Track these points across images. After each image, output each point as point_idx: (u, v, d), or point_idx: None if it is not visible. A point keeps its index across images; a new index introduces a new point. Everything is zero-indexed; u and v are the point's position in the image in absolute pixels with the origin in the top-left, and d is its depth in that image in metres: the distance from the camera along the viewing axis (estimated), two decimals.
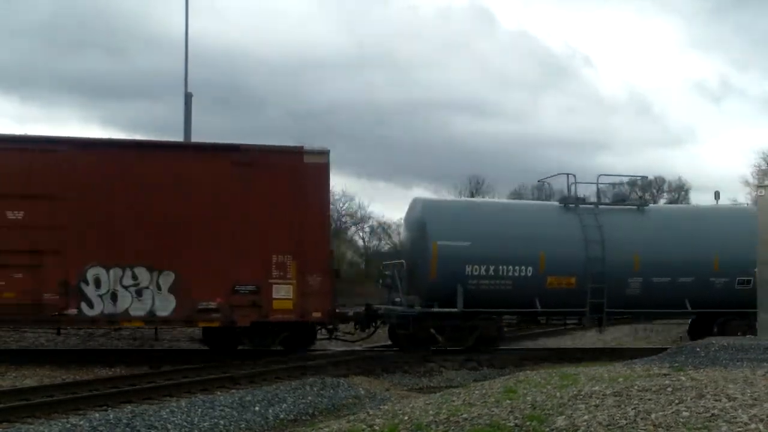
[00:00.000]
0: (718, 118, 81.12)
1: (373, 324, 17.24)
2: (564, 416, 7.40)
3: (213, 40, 65.23)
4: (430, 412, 8.29)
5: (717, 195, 20.47)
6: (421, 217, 17.15)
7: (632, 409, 7.38)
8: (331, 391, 13.02)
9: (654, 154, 74.64)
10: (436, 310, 16.67)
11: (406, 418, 8.19)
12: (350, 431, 8.09)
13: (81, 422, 9.72)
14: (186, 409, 10.79)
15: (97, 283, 14.73)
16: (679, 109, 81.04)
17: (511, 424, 7.37)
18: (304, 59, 71.48)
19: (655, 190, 59.83)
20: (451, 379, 15.20)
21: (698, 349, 12.62)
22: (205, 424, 10.29)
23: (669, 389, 8.26)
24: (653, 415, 7.06)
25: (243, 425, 10.54)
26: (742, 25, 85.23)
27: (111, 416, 10.13)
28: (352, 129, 65.66)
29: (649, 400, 7.77)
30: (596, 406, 7.70)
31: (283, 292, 15.33)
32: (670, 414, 7.08)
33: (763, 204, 14.74)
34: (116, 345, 17.59)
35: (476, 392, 9.37)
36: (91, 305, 14.71)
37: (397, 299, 17.53)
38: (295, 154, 15.69)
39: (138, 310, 14.86)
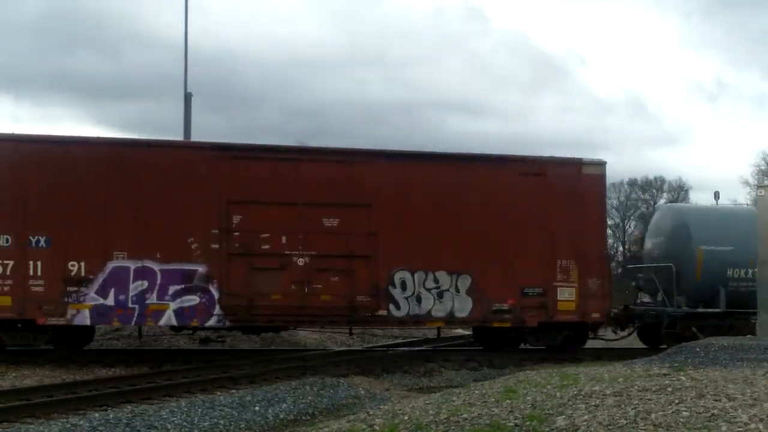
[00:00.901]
0: (714, 117, 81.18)
1: (631, 324, 18.19)
2: (564, 416, 7.41)
3: (206, 39, 65.28)
4: (430, 412, 8.29)
5: (717, 195, 20.52)
6: (685, 224, 18.27)
7: (632, 409, 7.38)
8: (331, 391, 13.02)
9: (651, 154, 74.64)
10: (701, 310, 17.75)
11: (406, 417, 8.19)
12: (350, 431, 8.09)
13: (81, 422, 9.72)
14: (186, 409, 10.79)
15: (404, 286, 15.75)
16: (675, 109, 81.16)
17: (511, 424, 7.37)
18: (296, 58, 71.48)
19: (655, 190, 59.92)
20: (451, 379, 15.20)
21: (698, 349, 12.62)
22: (205, 424, 10.29)
23: (669, 389, 8.26)
24: (653, 415, 7.06)
25: (243, 425, 10.54)
26: (737, 24, 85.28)
27: (111, 416, 10.13)
28: (346, 128, 65.66)
29: (649, 400, 7.77)
30: (596, 406, 7.70)
31: (566, 295, 16.39)
32: (670, 414, 7.08)
33: (763, 204, 14.74)
34: (116, 345, 17.58)
35: (476, 392, 9.37)
36: (398, 307, 15.74)
37: (647, 299, 19.07)
38: (574, 165, 16.74)
39: (439, 311, 15.88)
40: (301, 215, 15.25)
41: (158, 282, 14.73)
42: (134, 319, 14.85)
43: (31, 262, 14.38)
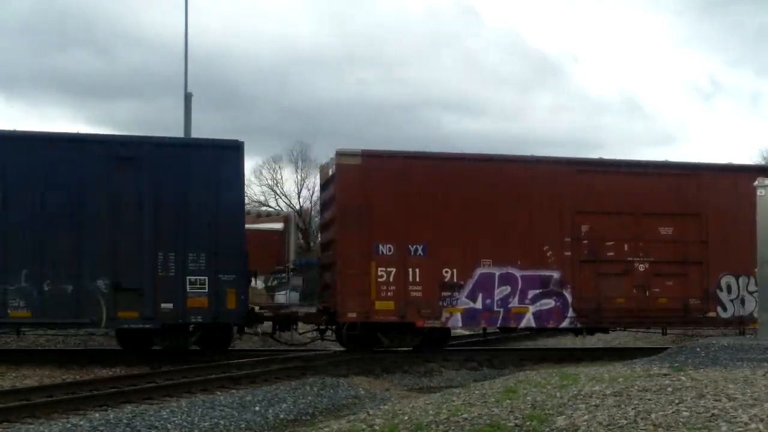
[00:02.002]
0: (710, 116, 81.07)
1: None
2: (564, 416, 7.41)
3: (200, 38, 65.08)
4: (430, 412, 8.30)
5: None
6: None
7: (632, 409, 7.38)
8: (331, 391, 13.02)
9: (646, 153, 74.54)
10: None
11: (406, 418, 8.19)
12: (350, 431, 8.09)
13: (81, 422, 9.72)
14: (186, 409, 10.79)
15: (729, 289, 16.94)
16: (671, 108, 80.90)
17: (511, 424, 7.38)
18: (291, 57, 71.31)
19: None
20: (451, 379, 15.20)
21: (698, 349, 12.63)
22: (205, 424, 10.29)
23: (669, 389, 8.26)
24: (653, 415, 7.06)
25: (243, 425, 10.54)
26: (732, 22, 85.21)
27: (111, 416, 10.13)
28: (342, 127, 65.43)
29: (649, 400, 7.77)
30: (596, 406, 7.70)
31: None
32: (670, 414, 7.08)
33: (763, 204, 14.72)
34: (116, 345, 17.58)
35: (476, 392, 9.37)
36: (725, 309, 16.92)
37: None
38: None
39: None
40: (640, 224, 16.67)
41: (519, 287, 16.18)
42: (499, 321, 16.29)
43: (410, 269, 15.79)
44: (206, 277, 14.93)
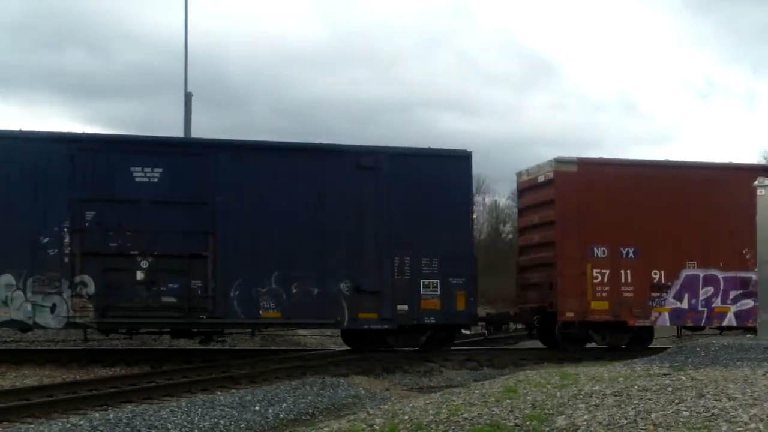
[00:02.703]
0: (706, 115, 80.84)
1: None
2: (564, 416, 7.41)
3: (194, 38, 64.80)
4: (431, 411, 8.29)
5: None
6: None
7: (632, 408, 7.38)
8: (331, 390, 13.03)
9: (644, 151, 74.39)
10: None
11: (406, 417, 8.19)
12: (350, 431, 8.09)
13: (81, 422, 9.71)
14: (186, 409, 10.79)
15: None
16: (666, 106, 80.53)
17: (512, 424, 7.38)
18: (286, 56, 71.03)
19: None
20: (451, 378, 15.21)
21: (698, 349, 12.63)
22: (205, 423, 10.29)
23: (669, 389, 8.26)
24: (653, 415, 7.06)
25: (243, 425, 10.53)
26: (727, 21, 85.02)
27: (111, 416, 10.13)
28: (338, 126, 65.21)
29: (650, 399, 7.77)
30: (596, 405, 7.70)
31: None
32: (670, 414, 7.08)
33: (763, 204, 14.72)
34: (116, 345, 17.59)
35: (476, 392, 9.37)
36: None
37: None
38: None
39: None
40: None
41: (721, 288, 17.16)
42: (703, 320, 17.26)
43: (622, 271, 16.81)
44: (438, 281, 15.84)
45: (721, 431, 6.48)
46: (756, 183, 14.83)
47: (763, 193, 14.69)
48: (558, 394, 8.51)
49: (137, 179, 14.82)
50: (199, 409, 10.85)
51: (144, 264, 14.74)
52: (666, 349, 14.21)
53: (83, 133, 15.72)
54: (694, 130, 76.80)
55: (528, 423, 7.32)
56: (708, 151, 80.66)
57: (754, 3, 79.24)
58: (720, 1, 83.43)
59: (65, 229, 14.51)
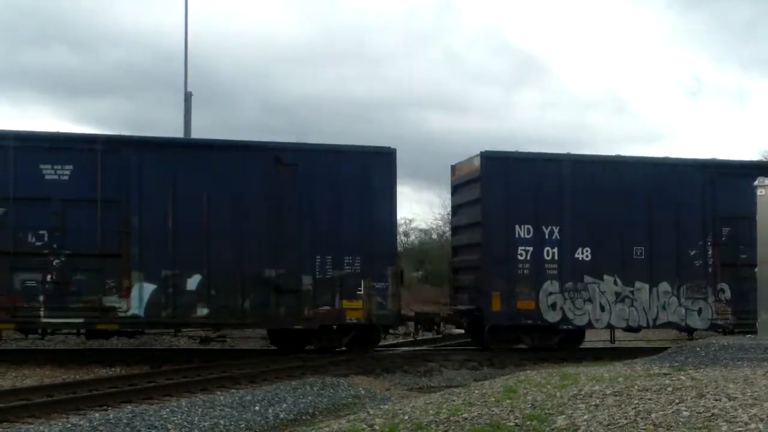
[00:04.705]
0: (696, 113, 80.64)
1: None
2: (564, 416, 7.41)
3: (181, 35, 64.36)
4: (431, 411, 8.30)
5: None
6: None
7: (632, 408, 7.38)
8: (331, 390, 13.03)
9: (635, 150, 74.01)
10: None
11: (406, 417, 8.19)
12: (350, 431, 8.09)
13: (81, 422, 9.72)
14: (186, 409, 10.79)
15: None
16: (657, 105, 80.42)
17: (512, 424, 7.38)
18: (272, 53, 70.88)
19: None
20: (451, 378, 15.20)
21: (698, 349, 12.64)
22: (205, 423, 10.29)
23: (669, 389, 8.27)
24: (653, 415, 7.06)
25: (243, 425, 10.54)
26: (715, 17, 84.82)
27: (111, 416, 10.13)
28: (326, 124, 65.01)
29: (650, 399, 7.77)
30: (596, 405, 7.70)
31: None
32: (670, 413, 7.08)
33: (763, 204, 14.72)
34: (116, 345, 17.58)
35: (476, 392, 9.38)
36: None
37: None
38: None
39: None
40: None
41: None
42: None
43: None
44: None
45: (721, 431, 6.48)
46: (756, 183, 14.82)
47: (763, 193, 14.69)
48: (558, 394, 8.51)
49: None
50: (199, 409, 10.85)
51: None
52: (666, 349, 14.21)
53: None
54: (686, 128, 76.69)
55: (528, 423, 7.33)
56: (701, 149, 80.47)
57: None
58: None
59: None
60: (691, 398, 7.69)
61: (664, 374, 9.57)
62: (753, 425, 6.52)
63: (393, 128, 62.92)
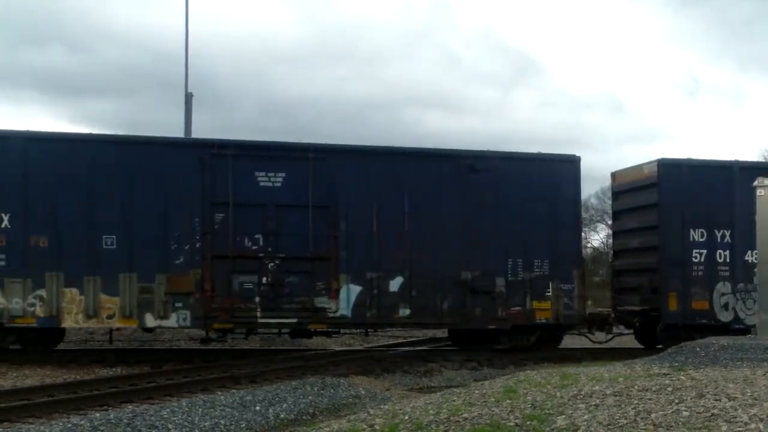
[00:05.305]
0: (694, 112, 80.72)
1: None
2: (564, 416, 7.42)
3: (179, 35, 64.38)
4: (431, 411, 8.30)
5: None
6: None
7: (632, 408, 7.39)
8: (332, 390, 13.04)
9: (631, 150, 74.07)
10: None
11: (406, 417, 8.20)
12: (351, 431, 8.10)
13: (82, 422, 9.73)
14: (187, 409, 10.80)
15: None
16: (654, 104, 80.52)
17: (512, 424, 7.39)
18: (269, 54, 70.88)
19: None
20: (451, 378, 15.21)
21: (698, 349, 12.64)
22: (205, 423, 10.30)
23: (669, 389, 8.28)
24: (653, 415, 7.07)
25: (243, 425, 10.55)
26: (712, 16, 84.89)
27: (112, 416, 10.14)
28: (322, 125, 65.08)
29: (650, 399, 7.78)
30: (596, 405, 7.71)
31: None
32: (670, 414, 7.09)
33: (762, 204, 14.72)
34: (116, 345, 17.61)
35: (476, 392, 9.38)
36: None
37: None
38: None
39: None
40: None
41: None
42: None
43: None
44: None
45: (721, 431, 6.49)
46: (756, 183, 14.82)
47: (763, 193, 14.69)
48: (558, 394, 8.52)
49: None
50: (200, 409, 10.86)
51: None
52: (666, 349, 14.21)
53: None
54: (683, 127, 76.77)
55: (528, 423, 7.33)
56: (699, 149, 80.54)
57: None
58: None
59: None
60: (691, 398, 7.70)
61: (664, 374, 9.58)
62: (753, 425, 6.53)
63: (390, 128, 63.07)
